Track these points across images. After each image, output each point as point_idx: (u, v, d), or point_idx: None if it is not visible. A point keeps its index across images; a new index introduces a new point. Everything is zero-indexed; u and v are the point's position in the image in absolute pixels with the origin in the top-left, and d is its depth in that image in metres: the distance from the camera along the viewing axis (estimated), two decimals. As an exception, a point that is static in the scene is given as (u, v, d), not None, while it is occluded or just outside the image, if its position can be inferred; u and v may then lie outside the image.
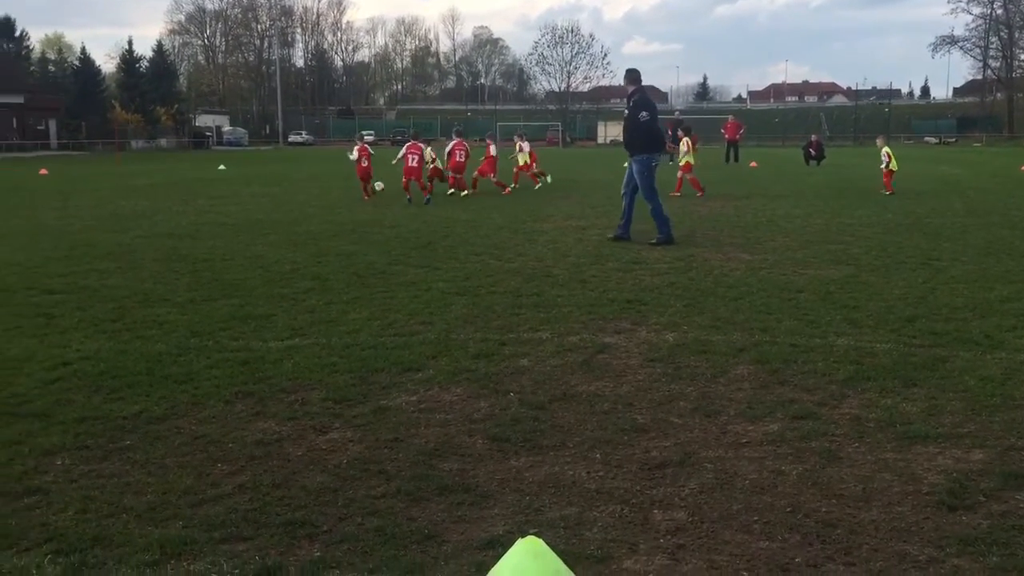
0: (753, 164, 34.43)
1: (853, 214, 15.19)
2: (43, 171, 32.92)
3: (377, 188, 19.80)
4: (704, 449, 4.26)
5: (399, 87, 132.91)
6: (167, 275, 9.27)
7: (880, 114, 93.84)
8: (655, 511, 3.59)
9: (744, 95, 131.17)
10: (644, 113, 11.93)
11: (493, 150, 21.76)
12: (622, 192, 12.45)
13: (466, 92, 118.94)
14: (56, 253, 10.99)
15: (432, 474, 3.96)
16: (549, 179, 23.54)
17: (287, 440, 4.42)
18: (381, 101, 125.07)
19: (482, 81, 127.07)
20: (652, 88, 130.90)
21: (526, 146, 22.76)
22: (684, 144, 20.56)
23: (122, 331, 6.71)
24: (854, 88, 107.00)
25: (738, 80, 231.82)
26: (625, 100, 12.60)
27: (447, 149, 20.69)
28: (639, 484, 3.86)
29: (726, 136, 38.55)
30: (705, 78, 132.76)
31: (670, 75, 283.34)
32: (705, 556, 3.22)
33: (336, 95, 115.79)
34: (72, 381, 5.37)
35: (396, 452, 4.24)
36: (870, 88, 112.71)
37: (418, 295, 8.03)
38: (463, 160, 20.37)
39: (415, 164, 18.14)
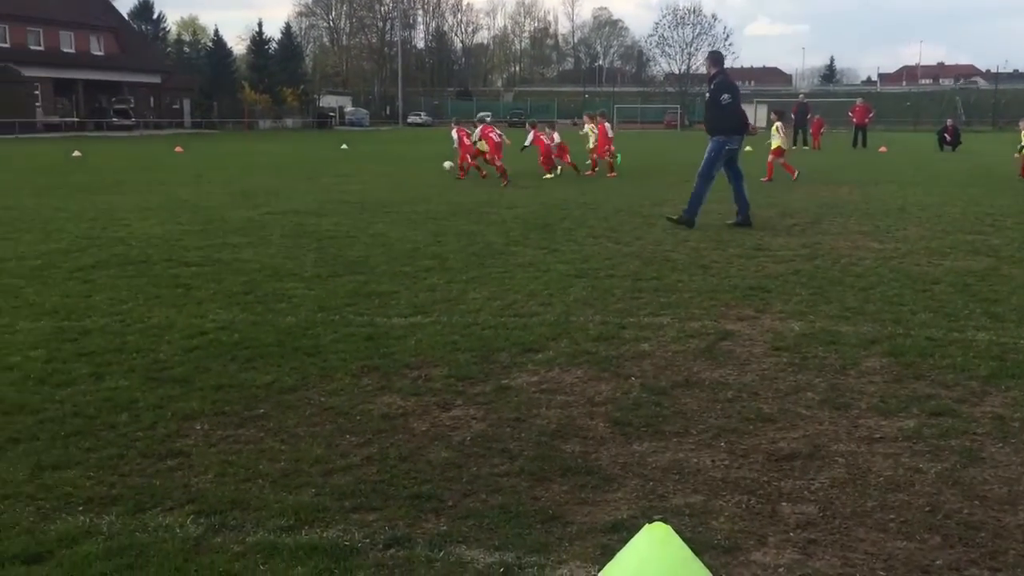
0: (882, 149, 33.08)
1: (993, 203, 14.41)
2: (178, 148, 34.48)
3: (446, 167, 20.13)
4: (834, 443, 4.12)
5: (517, 68, 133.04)
6: (295, 250, 9.57)
7: (1022, 98, 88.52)
8: (784, 504, 3.50)
9: (874, 77, 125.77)
10: (726, 95, 11.86)
11: (609, 129, 21.52)
12: (728, 181, 12.20)
13: (584, 74, 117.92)
14: (192, 227, 11.49)
15: (555, 455, 3.97)
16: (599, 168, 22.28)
17: (412, 415, 4.51)
18: (499, 83, 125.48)
19: (600, 63, 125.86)
20: (776, 70, 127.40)
21: (601, 127, 21.18)
22: (775, 128, 19.93)
23: (254, 303, 6.97)
24: (994, 71, 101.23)
25: (867, 62, 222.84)
26: (707, 83, 12.61)
27: (527, 141, 20.52)
28: (766, 475, 3.77)
29: (854, 120, 37.08)
30: (832, 60, 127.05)
31: (795, 57, 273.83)
32: (838, 553, 3.12)
33: (455, 76, 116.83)
34: (209, 350, 5.62)
35: (518, 431, 4.27)
36: (1012, 71, 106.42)
37: (537, 276, 8.05)
38: (550, 141, 20.30)
39: (498, 140, 18.63)
